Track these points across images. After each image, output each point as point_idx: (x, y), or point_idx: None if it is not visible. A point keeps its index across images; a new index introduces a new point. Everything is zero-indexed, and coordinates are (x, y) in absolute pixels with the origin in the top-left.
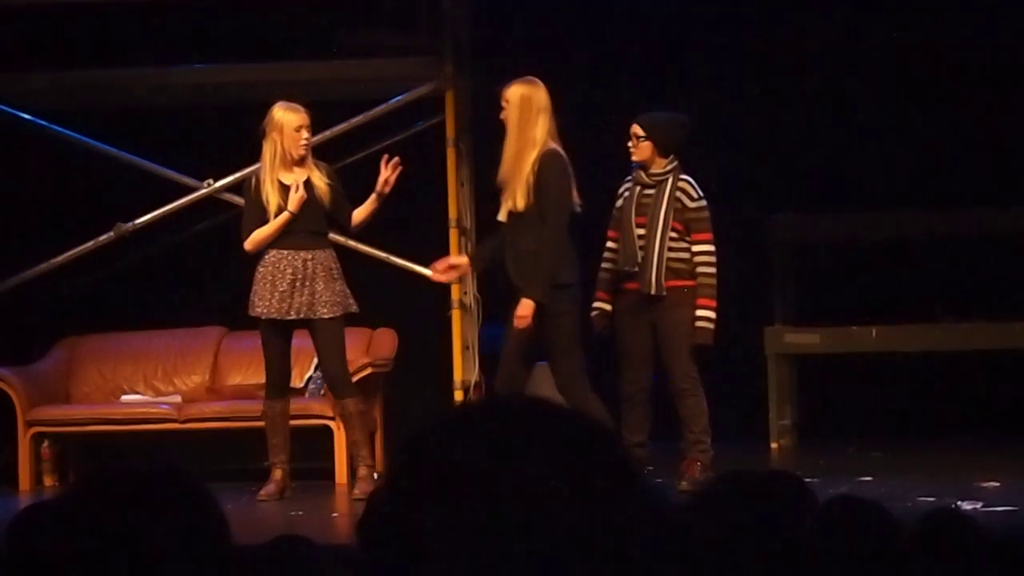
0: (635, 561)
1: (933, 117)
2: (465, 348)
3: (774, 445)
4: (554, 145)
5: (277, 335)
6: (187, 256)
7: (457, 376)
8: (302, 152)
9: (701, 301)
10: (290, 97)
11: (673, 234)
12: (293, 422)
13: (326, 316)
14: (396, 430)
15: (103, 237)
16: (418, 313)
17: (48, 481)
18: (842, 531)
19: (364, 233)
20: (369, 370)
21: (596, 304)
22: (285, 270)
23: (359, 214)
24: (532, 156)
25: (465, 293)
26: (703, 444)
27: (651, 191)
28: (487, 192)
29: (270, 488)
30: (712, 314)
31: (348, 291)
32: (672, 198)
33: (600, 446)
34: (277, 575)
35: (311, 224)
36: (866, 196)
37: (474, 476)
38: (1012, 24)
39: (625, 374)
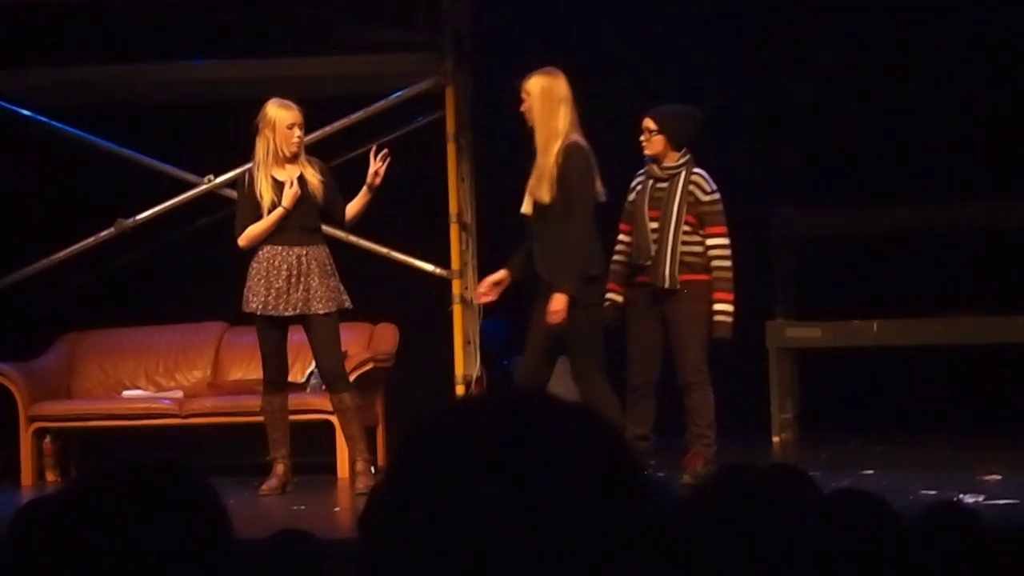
0: (637, 555)
1: (934, 111)
2: (466, 343)
3: (775, 439)
4: (576, 137)
5: (273, 330)
6: (188, 252)
7: (458, 371)
8: (294, 150)
9: (718, 295)
10: (291, 93)
11: (686, 228)
12: (294, 417)
13: (321, 312)
14: (397, 425)
15: (104, 233)
16: (419, 308)
17: (50, 476)
18: (844, 524)
19: (366, 229)
20: (370, 365)
21: (608, 296)
22: (280, 266)
23: (352, 208)
24: (556, 147)
25: (466, 288)
26: (707, 439)
27: (664, 184)
28: (488, 187)
29: (272, 483)
30: (730, 307)
31: (341, 287)
32: (685, 191)
33: (603, 442)
34: (279, 569)
35: (305, 220)
36: (867, 190)
37: (475, 470)
38: (1014, 17)
39: (633, 366)
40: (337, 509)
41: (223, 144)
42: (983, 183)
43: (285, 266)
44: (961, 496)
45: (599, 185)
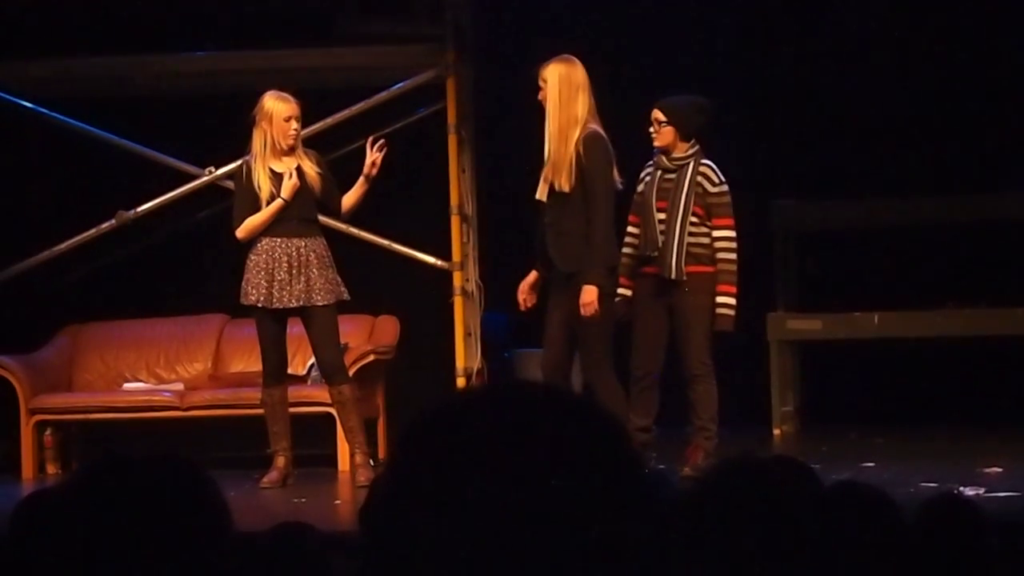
0: (637, 548)
1: (935, 103)
2: (467, 335)
3: (776, 431)
4: (594, 125)
5: (272, 323)
6: (189, 244)
7: (459, 363)
8: (291, 142)
9: (721, 287)
10: (292, 85)
11: (694, 219)
12: (295, 410)
13: (321, 304)
14: (398, 417)
15: (105, 225)
16: (420, 300)
17: (51, 469)
18: (844, 517)
19: (366, 221)
20: (371, 357)
21: (618, 290)
22: (280, 258)
23: (348, 199)
24: (575, 134)
25: (467, 280)
26: (709, 431)
27: (672, 175)
28: (489, 179)
29: (272, 475)
30: (732, 300)
31: (340, 279)
32: (693, 182)
33: (604, 434)
34: (280, 562)
35: (303, 211)
36: (868, 183)
37: (475, 463)
38: (1013, 12)
39: (638, 358)
40: (338, 502)
41: (224, 136)
42: (985, 175)
43: (286, 258)
44: (962, 488)
45: (616, 174)
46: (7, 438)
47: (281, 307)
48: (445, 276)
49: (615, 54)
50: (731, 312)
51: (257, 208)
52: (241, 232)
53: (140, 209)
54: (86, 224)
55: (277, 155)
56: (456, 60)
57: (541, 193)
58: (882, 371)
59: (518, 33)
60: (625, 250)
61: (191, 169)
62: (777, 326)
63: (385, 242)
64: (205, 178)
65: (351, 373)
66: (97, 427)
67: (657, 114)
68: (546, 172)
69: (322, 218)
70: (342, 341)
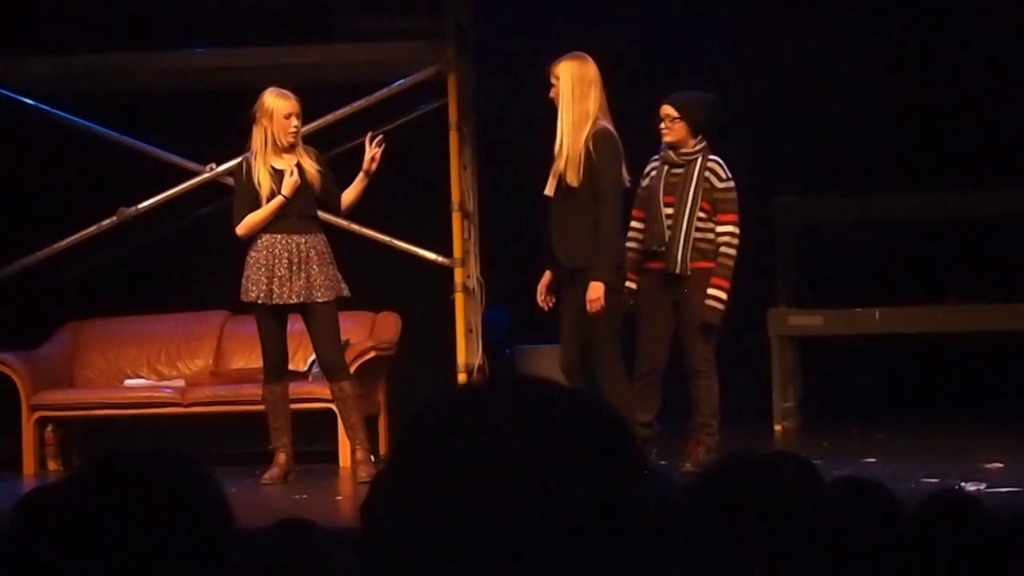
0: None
1: (936, 100)
2: (468, 331)
3: (777, 427)
4: (605, 122)
5: (273, 319)
6: (190, 240)
7: (460, 359)
8: (291, 140)
9: (715, 280)
10: (293, 81)
11: (701, 214)
12: (296, 406)
13: (321, 300)
14: (399, 414)
15: (106, 222)
16: (421, 297)
17: (52, 465)
18: (845, 512)
19: (367, 217)
20: (372, 354)
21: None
22: (281, 254)
23: (348, 195)
24: (586, 130)
25: (468, 276)
26: (710, 427)
27: (679, 170)
28: (490, 175)
29: (274, 471)
30: (723, 295)
31: (340, 275)
32: (701, 177)
33: (604, 430)
34: (281, 558)
35: (303, 208)
36: (870, 179)
37: (476, 458)
38: (1014, 8)
39: (643, 353)
40: (339, 498)
41: (225, 132)
42: (986, 171)
43: (286, 254)
44: (963, 484)
45: (624, 171)
46: (8, 434)
47: (281, 303)
48: (446, 272)
49: (615, 51)
50: (720, 306)
51: (257, 205)
52: (241, 229)
53: (141, 206)
54: (87, 221)
55: (277, 152)
56: (457, 56)
57: (550, 188)
58: (883, 367)
59: (519, 29)
60: (629, 244)
61: (192, 166)
62: (778, 322)
63: (386, 238)
64: (206, 175)
65: (352, 369)
66: (98, 423)
67: (669, 110)
68: (556, 167)
69: (324, 215)
70: (343, 337)
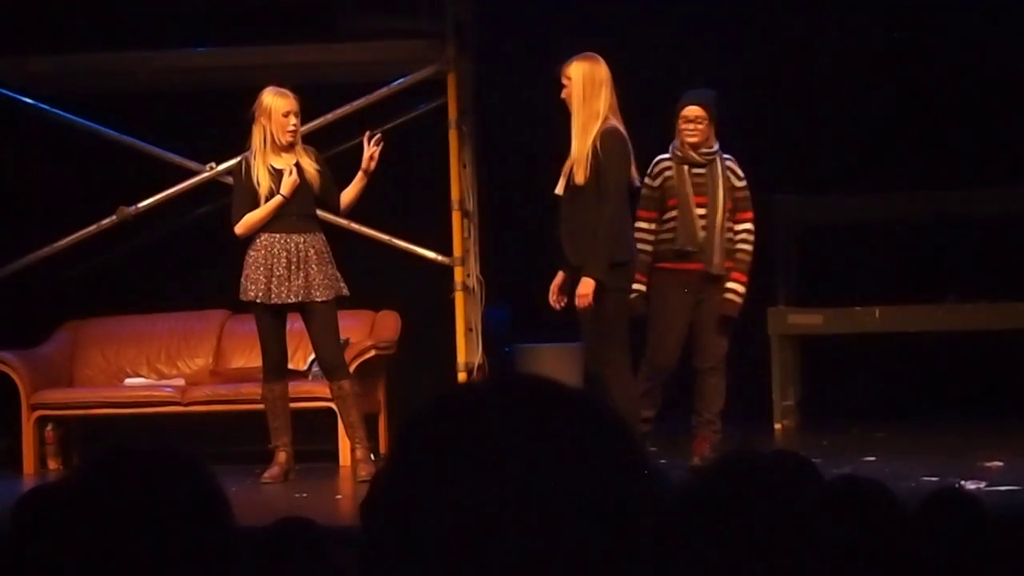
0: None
1: (936, 98)
2: (468, 330)
3: (777, 426)
4: (614, 122)
5: (272, 319)
6: (190, 239)
7: (460, 358)
8: (290, 139)
9: (735, 275)
10: (293, 80)
11: (727, 214)
12: (296, 405)
13: (320, 300)
14: (399, 412)
15: (106, 221)
16: (421, 295)
17: (52, 464)
18: (845, 511)
19: (367, 216)
20: (372, 352)
21: (634, 286)
22: (279, 254)
23: (347, 194)
24: (595, 129)
25: (468, 275)
26: (716, 425)
27: (702, 170)
28: (490, 174)
29: (274, 470)
30: (743, 288)
31: (339, 274)
32: (725, 176)
33: (604, 429)
34: (281, 557)
35: (302, 207)
36: (870, 177)
37: (476, 457)
38: (1015, 10)
39: (662, 354)
40: (339, 497)
41: (225, 131)
42: (985, 170)
43: (284, 253)
44: (963, 483)
45: (634, 171)
46: (8, 434)
47: (280, 303)
48: (446, 271)
49: (615, 50)
50: (739, 300)
51: (256, 204)
52: (240, 228)
53: (141, 205)
54: (87, 220)
55: (276, 151)
56: (457, 55)
57: (560, 188)
58: (883, 366)
59: (519, 28)
60: (641, 246)
61: (192, 165)
62: (778, 320)
63: (386, 237)
64: (206, 174)
65: (352, 368)
66: (98, 422)
67: (698, 111)
68: (566, 167)
69: (324, 214)
70: (343, 336)
